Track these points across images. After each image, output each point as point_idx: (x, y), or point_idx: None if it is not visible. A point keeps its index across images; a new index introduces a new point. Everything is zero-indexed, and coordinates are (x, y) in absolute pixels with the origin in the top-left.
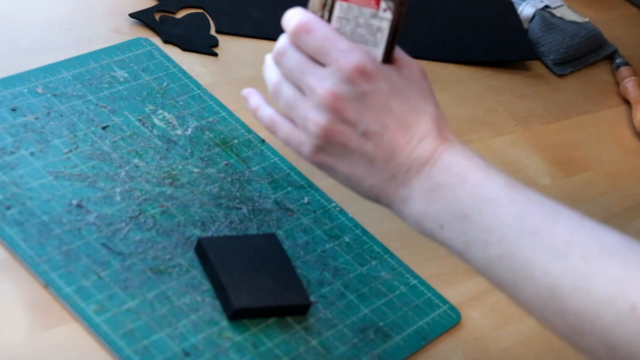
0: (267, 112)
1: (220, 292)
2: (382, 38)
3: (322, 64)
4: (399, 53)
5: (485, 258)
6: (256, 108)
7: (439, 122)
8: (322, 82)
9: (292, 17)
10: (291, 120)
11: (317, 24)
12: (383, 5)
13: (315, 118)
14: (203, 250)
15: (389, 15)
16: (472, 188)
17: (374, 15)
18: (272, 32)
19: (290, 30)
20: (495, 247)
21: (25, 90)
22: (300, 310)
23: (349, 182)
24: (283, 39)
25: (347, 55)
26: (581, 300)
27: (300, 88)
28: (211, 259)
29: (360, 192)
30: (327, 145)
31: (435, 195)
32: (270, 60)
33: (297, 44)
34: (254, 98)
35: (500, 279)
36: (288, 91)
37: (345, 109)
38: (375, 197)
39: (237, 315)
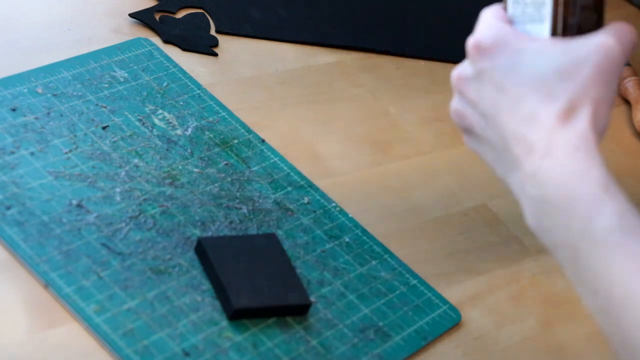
0: None
1: (220, 292)
2: (547, 11)
3: None
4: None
5: (594, 306)
6: None
7: (570, 108)
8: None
9: None
10: None
11: (484, 15)
12: None
13: (451, 103)
14: (203, 250)
15: None
16: (582, 222)
17: None
18: (272, 32)
19: None
20: (603, 300)
21: (25, 90)
22: (300, 310)
23: (493, 171)
24: None
25: (474, 34)
26: None
27: None
28: (211, 259)
29: (504, 184)
30: (464, 131)
31: (545, 210)
32: None
33: None
34: None
35: (609, 333)
36: None
37: (466, 89)
38: (511, 191)
39: (237, 315)
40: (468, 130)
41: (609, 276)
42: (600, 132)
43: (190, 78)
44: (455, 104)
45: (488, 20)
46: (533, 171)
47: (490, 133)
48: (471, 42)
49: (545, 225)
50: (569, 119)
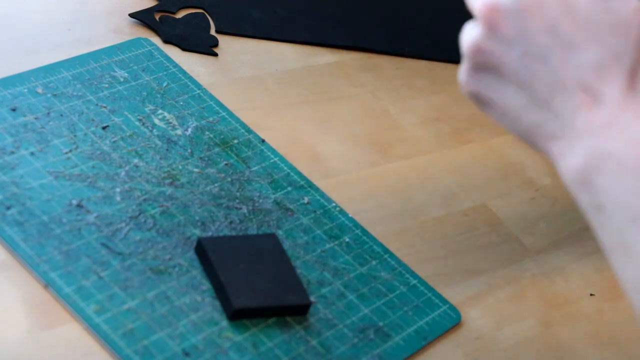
0: None
1: (220, 292)
2: None
3: None
4: None
5: (633, 276)
6: None
7: (634, 69)
8: None
9: None
10: None
11: None
12: None
13: (468, 33)
14: (203, 250)
15: None
16: None
17: None
18: (272, 32)
19: None
20: None
21: (25, 90)
22: (300, 310)
23: (506, 119)
24: None
25: None
26: None
27: None
28: (211, 259)
29: (517, 133)
30: (478, 68)
31: (607, 167)
32: None
33: None
34: None
35: None
36: None
37: (501, 23)
38: (532, 141)
39: (237, 315)
40: (489, 69)
41: None
42: None
43: (190, 78)
44: (479, 38)
45: None
46: (603, 123)
47: (529, 75)
48: None
49: (598, 183)
50: (635, 81)
